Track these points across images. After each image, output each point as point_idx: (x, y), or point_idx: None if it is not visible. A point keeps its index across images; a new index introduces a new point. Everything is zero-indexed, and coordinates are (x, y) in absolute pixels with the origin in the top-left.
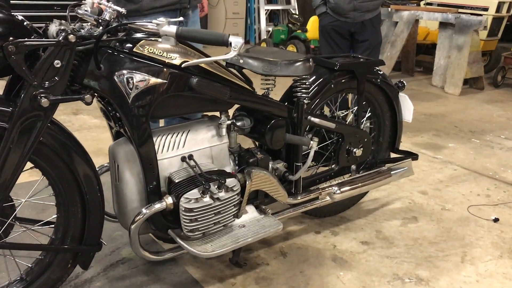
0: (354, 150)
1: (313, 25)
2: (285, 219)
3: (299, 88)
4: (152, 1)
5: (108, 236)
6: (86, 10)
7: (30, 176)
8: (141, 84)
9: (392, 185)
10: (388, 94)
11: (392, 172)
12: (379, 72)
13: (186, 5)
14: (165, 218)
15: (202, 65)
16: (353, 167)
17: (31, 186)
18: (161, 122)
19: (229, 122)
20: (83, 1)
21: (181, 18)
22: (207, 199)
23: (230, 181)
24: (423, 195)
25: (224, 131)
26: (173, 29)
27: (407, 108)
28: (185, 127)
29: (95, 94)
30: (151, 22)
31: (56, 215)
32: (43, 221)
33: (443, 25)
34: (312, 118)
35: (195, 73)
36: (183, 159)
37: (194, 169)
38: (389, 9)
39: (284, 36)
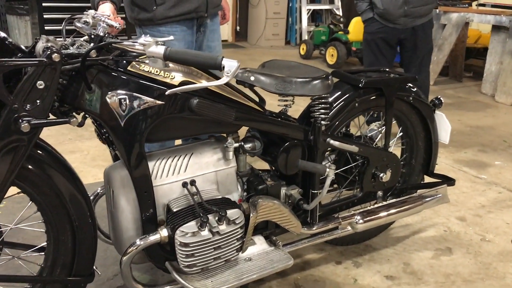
0: (381, 174)
1: (355, 27)
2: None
3: (317, 108)
4: (166, 10)
5: (114, 258)
6: (86, 23)
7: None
8: (135, 106)
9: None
10: (421, 113)
11: (423, 200)
12: (412, 88)
13: (203, 14)
14: (163, 249)
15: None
16: (380, 193)
17: (25, 210)
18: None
19: (236, 145)
20: (84, 12)
21: (171, 37)
22: (205, 233)
23: (232, 213)
24: (461, 221)
25: (231, 154)
26: (160, 50)
27: (444, 128)
28: (188, 149)
29: (87, 115)
30: (136, 42)
31: (46, 243)
32: (35, 246)
33: (496, 28)
34: (332, 141)
35: (196, 93)
36: (184, 185)
37: (195, 197)
38: (437, 10)
39: (325, 37)
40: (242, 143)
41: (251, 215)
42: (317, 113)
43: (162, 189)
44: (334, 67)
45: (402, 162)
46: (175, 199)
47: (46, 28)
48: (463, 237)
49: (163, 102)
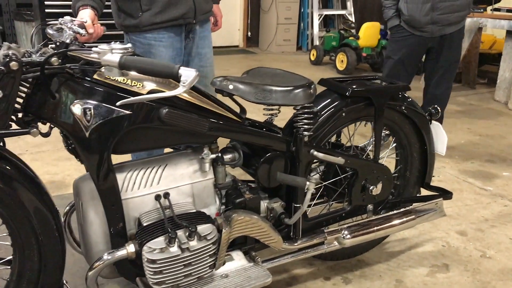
0: (371, 187)
1: (366, 32)
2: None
3: (300, 118)
4: (152, 16)
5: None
6: (59, 29)
7: None
8: (101, 116)
9: None
10: (416, 123)
11: (417, 214)
12: (405, 98)
13: (191, 20)
14: (133, 264)
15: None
16: (370, 207)
17: None
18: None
19: (213, 156)
20: (59, 19)
21: (129, 45)
22: (174, 249)
23: (203, 228)
24: (461, 236)
25: (207, 166)
26: (115, 58)
27: (440, 138)
28: (162, 160)
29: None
30: (91, 50)
31: (12, 256)
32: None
33: (510, 33)
34: (316, 153)
35: (166, 102)
36: (157, 197)
37: (167, 211)
38: None
39: (335, 43)
40: (220, 154)
41: (223, 230)
42: (300, 123)
43: (133, 202)
44: (343, 73)
45: (396, 174)
46: (146, 212)
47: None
48: (462, 253)
49: (130, 112)
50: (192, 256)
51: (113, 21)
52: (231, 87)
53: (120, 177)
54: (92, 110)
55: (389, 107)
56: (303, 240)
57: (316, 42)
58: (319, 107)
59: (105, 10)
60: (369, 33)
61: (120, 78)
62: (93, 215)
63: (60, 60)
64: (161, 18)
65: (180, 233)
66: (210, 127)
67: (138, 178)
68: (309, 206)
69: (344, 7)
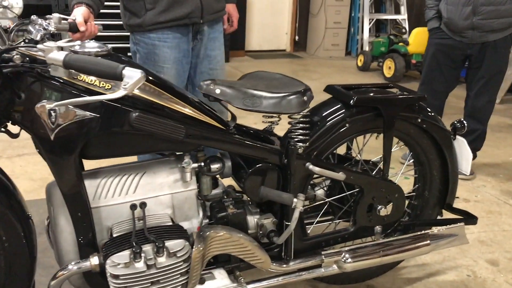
0: (379, 207)
1: (416, 38)
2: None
3: (294, 128)
4: (156, 15)
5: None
6: (41, 28)
7: None
8: (66, 118)
9: None
10: (435, 138)
11: (433, 240)
12: (423, 109)
13: (198, 20)
14: (103, 276)
15: (148, 97)
16: (378, 228)
17: None
18: None
19: (195, 165)
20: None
21: (78, 42)
22: (139, 265)
23: (173, 244)
24: (491, 266)
25: (188, 175)
26: (60, 56)
27: (465, 156)
28: (140, 168)
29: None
30: (36, 47)
31: None
32: None
33: None
34: (311, 166)
35: (139, 106)
36: (132, 207)
37: (139, 222)
38: None
39: (384, 48)
40: (203, 164)
41: (194, 247)
42: (295, 133)
43: (106, 210)
44: (391, 81)
45: (413, 193)
46: (118, 223)
47: None
48: (489, 286)
49: (97, 115)
50: (160, 274)
51: (120, 22)
52: (218, 91)
53: (93, 183)
54: (57, 112)
55: (403, 119)
56: (296, 262)
57: (366, 47)
58: (319, 117)
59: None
60: (419, 39)
61: (88, 78)
62: (63, 222)
63: (22, 58)
64: (165, 17)
65: (147, 247)
66: (188, 134)
67: (113, 186)
68: (310, 224)
69: (397, 11)
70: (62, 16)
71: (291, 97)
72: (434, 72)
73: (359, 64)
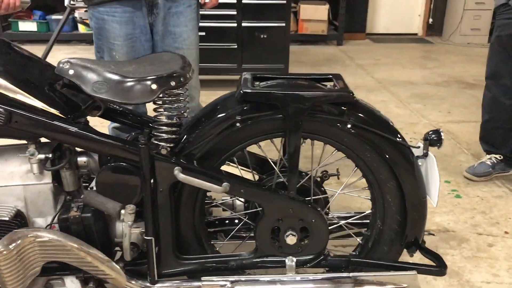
0: (287, 233)
1: None
2: None
3: (158, 124)
4: None
5: None
6: None
7: None
8: None
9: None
10: (381, 151)
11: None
12: (359, 111)
13: None
14: None
15: None
16: (291, 260)
17: None
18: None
19: (41, 156)
20: None
21: None
22: None
23: None
24: None
25: (35, 167)
26: None
27: (433, 180)
28: None
29: None
30: None
31: None
32: None
33: None
34: (176, 172)
35: None
36: None
37: None
38: None
39: None
40: (51, 155)
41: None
42: (158, 130)
43: None
44: None
45: (366, 220)
46: None
47: None
48: None
49: None
50: None
51: None
52: (71, 72)
53: None
54: None
55: (328, 123)
56: (164, 285)
57: None
58: (205, 112)
59: None
60: None
61: None
62: None
63: None
64: None
65: None
66: (14, 120)
67: None
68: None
69: None
70: None
71: (133, 83)
72: (501, 55)
73: None
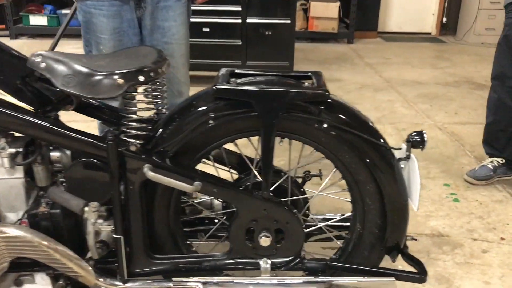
0: (261, 234)
1: None
2: None
3: (127, 120)
4: None
5: None
6: None
7: None
8: None
9: None
10: (360, 152)
11: None
12: (334, 109)
13: None
14: None
15: None
16: (265, 262)
17: None
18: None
19: (12, 150)
20: None
21: None
22: None
23: None
24: None
25: (6, 161)
26: None
27: (414, 184)
28: None
29: None
30: None
31: None
32: None
33: None
34: (145, 169)
35: None
36: None
37: None
38: None
39: None
40: (22, 150)
41: None
42: (125, 126)
43: None
44: None
45: (347, 223)
46: None
47: None
48: None
49: None
50: None
51: None
52: (43, 65)
53: None
54: None
55: (304, 122)
56: (135, 284)
57: None
58: (180, 109)
59: None
60: None
61: None
62: None
63: None
64: None
65: None
66: None
67: None
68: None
69: None
70: None
71: (100, 78)
72: (508, 63)
73: None
